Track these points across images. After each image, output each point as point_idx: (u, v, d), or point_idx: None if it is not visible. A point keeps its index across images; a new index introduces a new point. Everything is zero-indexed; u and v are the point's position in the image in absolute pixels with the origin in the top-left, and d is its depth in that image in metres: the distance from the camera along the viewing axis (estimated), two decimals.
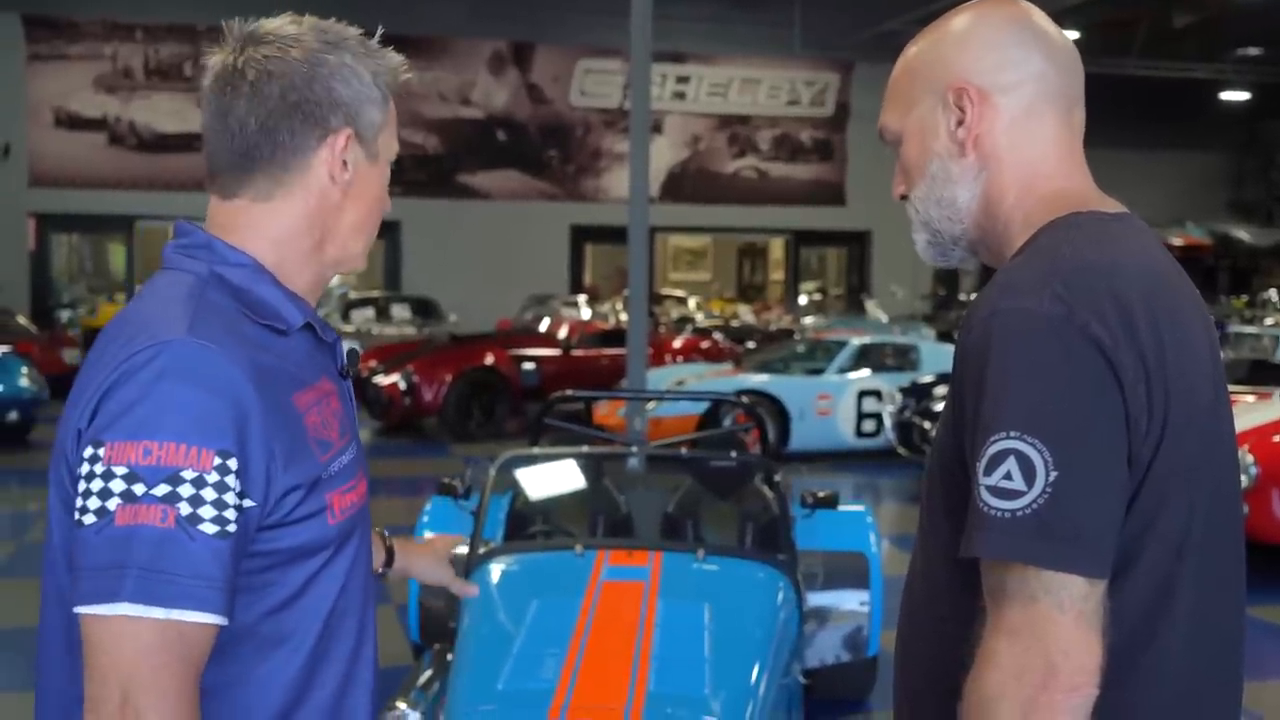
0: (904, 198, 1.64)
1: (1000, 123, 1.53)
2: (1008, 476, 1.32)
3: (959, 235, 1.59)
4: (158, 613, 1.26)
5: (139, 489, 1.26)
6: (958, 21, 1.57)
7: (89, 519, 1.27)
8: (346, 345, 1.61)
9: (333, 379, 1.53)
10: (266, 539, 1.36)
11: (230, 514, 1.30)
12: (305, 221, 1.49)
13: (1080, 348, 1.33)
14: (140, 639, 1.26)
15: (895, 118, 1.60)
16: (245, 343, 1.37)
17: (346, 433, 1.50)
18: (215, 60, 1.48)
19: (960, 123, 1.53)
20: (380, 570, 1.99)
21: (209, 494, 1.28)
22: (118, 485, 1.27)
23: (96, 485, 1.28)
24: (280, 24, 1.48)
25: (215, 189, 1.50)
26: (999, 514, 1.32)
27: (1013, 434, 1.32)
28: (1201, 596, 1.42)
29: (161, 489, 1.26)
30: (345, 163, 1.48)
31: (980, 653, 1.35)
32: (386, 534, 2.04)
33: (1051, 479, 1.30)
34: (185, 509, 1.27)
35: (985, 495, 1.33)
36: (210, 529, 1.28)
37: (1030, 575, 1.31)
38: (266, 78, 1.44)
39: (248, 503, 1.32)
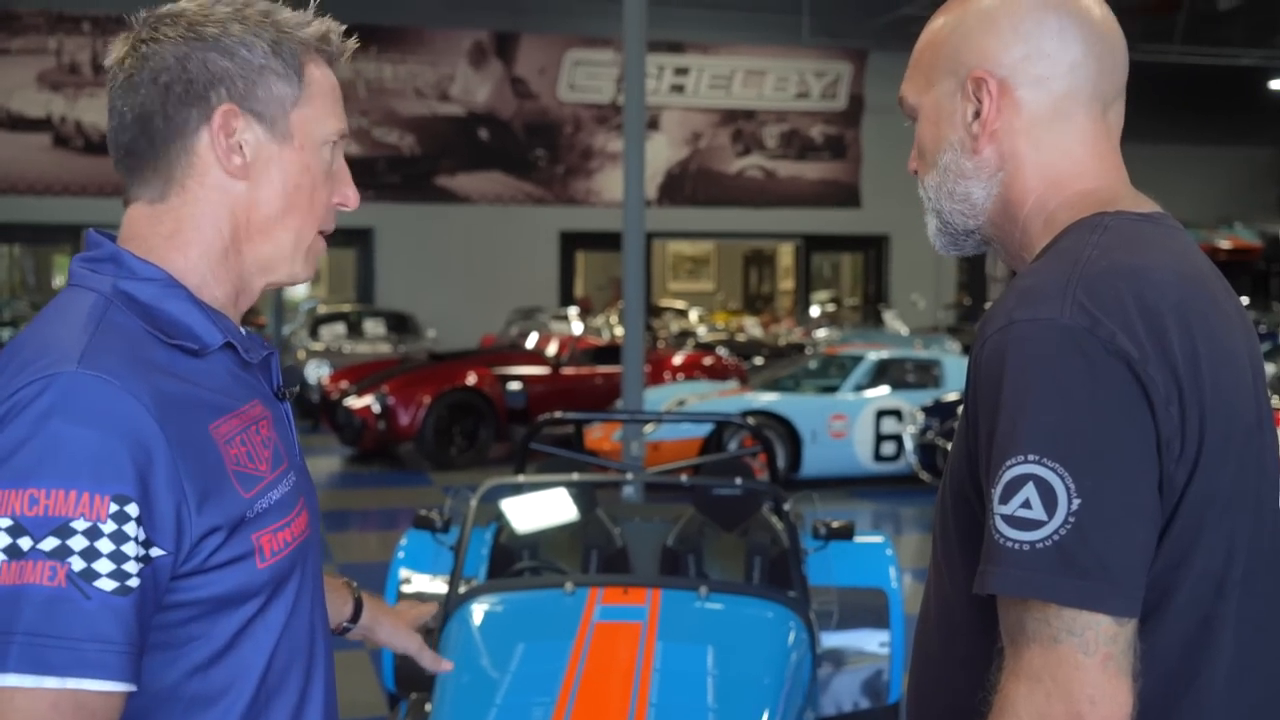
0: (918, 173, 1.64)
1: (1021, 120, 1.52)
2: (1026, 505, 1.30)
3: (972, 230, 1.59)
4: (50, 682, 1.21)
5: (25, 543, 1.22)
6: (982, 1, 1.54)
7: None
8: (286, 361, 1.57)
9: (266, 402, 1.48)
10: (185, 588, 1.33)
11: (131, 567, 1.25)
12: (209, 220, 1.45)
13: (1105, 363, 1.31)
14: (31, 711, 1.22)
15: (913, 91, 1.60)
16: (150, 370, 1.33)
17: (281, 462, 1.46)
18: (111, 55, 1.46)
19: (977, 115, 1.53)
20: (344, 625, 1.95)
21: (105, 546, 1.23)
22: (1, 540, 1.22)
23: None
24: (179, 6, 1.46)
25: (125, 195, 1.49)
26: (1016, 546, 1.30)
27: (1031, 458, 1.31)
28: (1244, 636, 1.41)
29: (50, 543, 1.22)
30: (241, 146, 1.45)
31: (997, 700, 1.33)
32: (355, 585, 1.99)
33: (1074, 508, 1.29)
34: (78, 564, 1.22)
35: (1001, 525, 1.32)
36: (108, 585, 1.24)
37: (1052, 614, 1.29)
38: (140, 64, 1.42)
39: (156, 551, 1.28)
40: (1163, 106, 23.05)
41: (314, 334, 17.52)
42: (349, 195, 1.57)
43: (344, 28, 1.53)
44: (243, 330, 1.51)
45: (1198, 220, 23.81)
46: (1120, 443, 1.31)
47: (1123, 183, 1.55)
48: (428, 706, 3.67)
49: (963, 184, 1.55)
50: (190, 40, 1.42)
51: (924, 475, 10.85)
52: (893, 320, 19.97)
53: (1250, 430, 1.41)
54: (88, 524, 1.23)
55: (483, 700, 3.41)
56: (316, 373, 14.75)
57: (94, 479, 1.24)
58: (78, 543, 1.23)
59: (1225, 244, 22.86)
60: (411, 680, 4.63)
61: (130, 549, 1.25)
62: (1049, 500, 1.29)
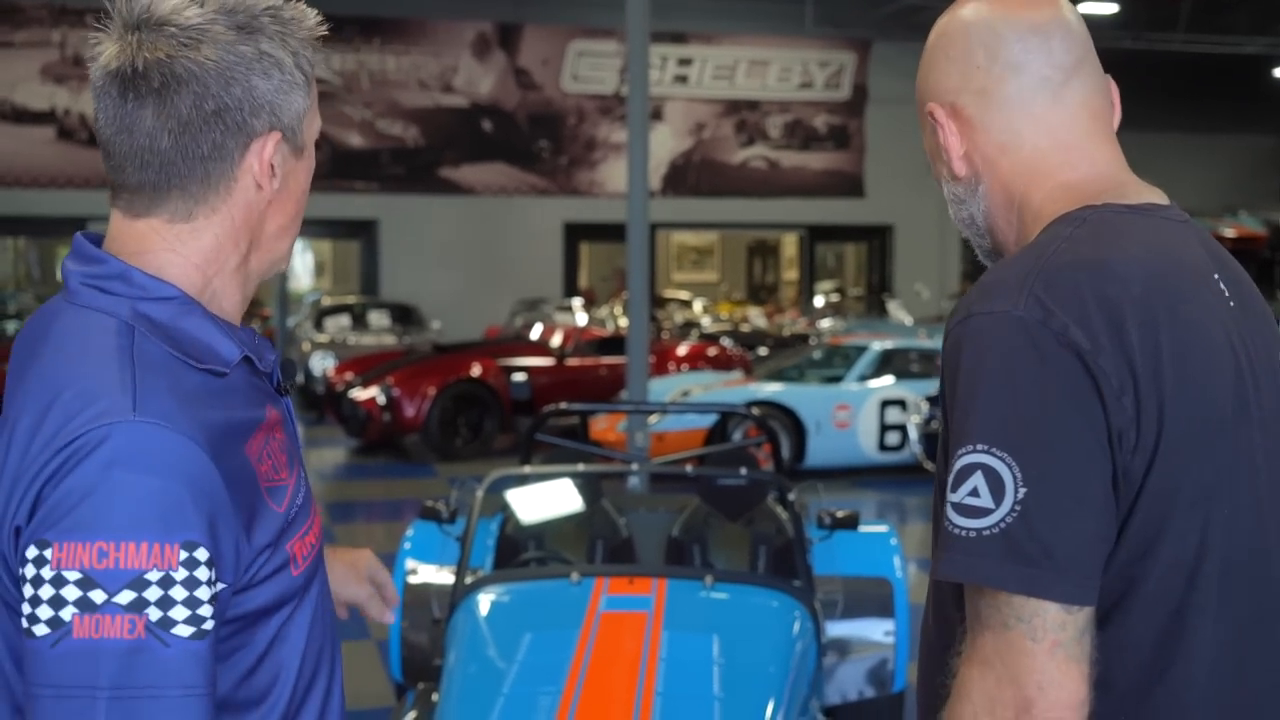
0: None
1: (979, 133, 1.57)
2: (974, 493, 1.33)
3: (990, 249, 1.64)
4: None
5: (97, 596, 1.21)
6: (931, 34, 1.63)
7: (40, 629, 1.22)
8: (290, 353, 1.56)
9: (275, 404, 1.47)
10: (233, 605, 1.33)
11: (205, 610, 1.26)
12: (231, 238, 1.42)
13: (1056, 355, 1.34)
14: None
15: (923, 140, 1.67)
16: (194, 404, 1.31)
17: (295, 461, 1.46)
18: (107, 53, 1.38)
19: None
20: None
21: (179, 593, 1.24)
22: (71, 592, 1.21)
23: (46, 592, 1.22)
24: (178, 3, 1.38)
25: (120, 204, 1.42)
26: (964, 533, 1.34)
27: (980, 447, 1.34)
28: (1228, 628, 1.41)
29: (125, 596, 1.21)
30: (273, 166, 1.42)
31: (955, 683, 1.37)
32: None
33: (1021, 496, 1.31)
34: (155, 614, 1.22)
35: (951, 513, 1.35)
36: (185, 631, 1.24)
37: (1002, 601, 1.32)
38: (174, 83, 1.35)
39: (219, 586, 1.29)
40: (1167, 95, 22.99)
41: (319, 326, 17.49)
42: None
43: (316, 13, 1.49)
44: (253, 334, 1.49)
45: (1202, 209, 23.75)
46: (1068, 433, 1.33)
47: (1112, 168, 1.56)
48: (435, 696, 3.68)
49: (964, 209, 1.61)
50: (230, 64, 1.37)
51: (928, 465, 10.85)
52: (897, 310, 19.94)
53: (1226, 421, 1.42)
54: (160, 574, 1.23)
55: (490, 690, 3.42)
56: (321, 365, 14.75)
57: (162, 528, 1.23)
58: (153, 594, 1.23)
59: (1230, 232, 22.81)
60: (419, 670, 4.65)
61: (203, 593, 1.25)
62: (996, 489, 1.32)
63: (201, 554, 1.25)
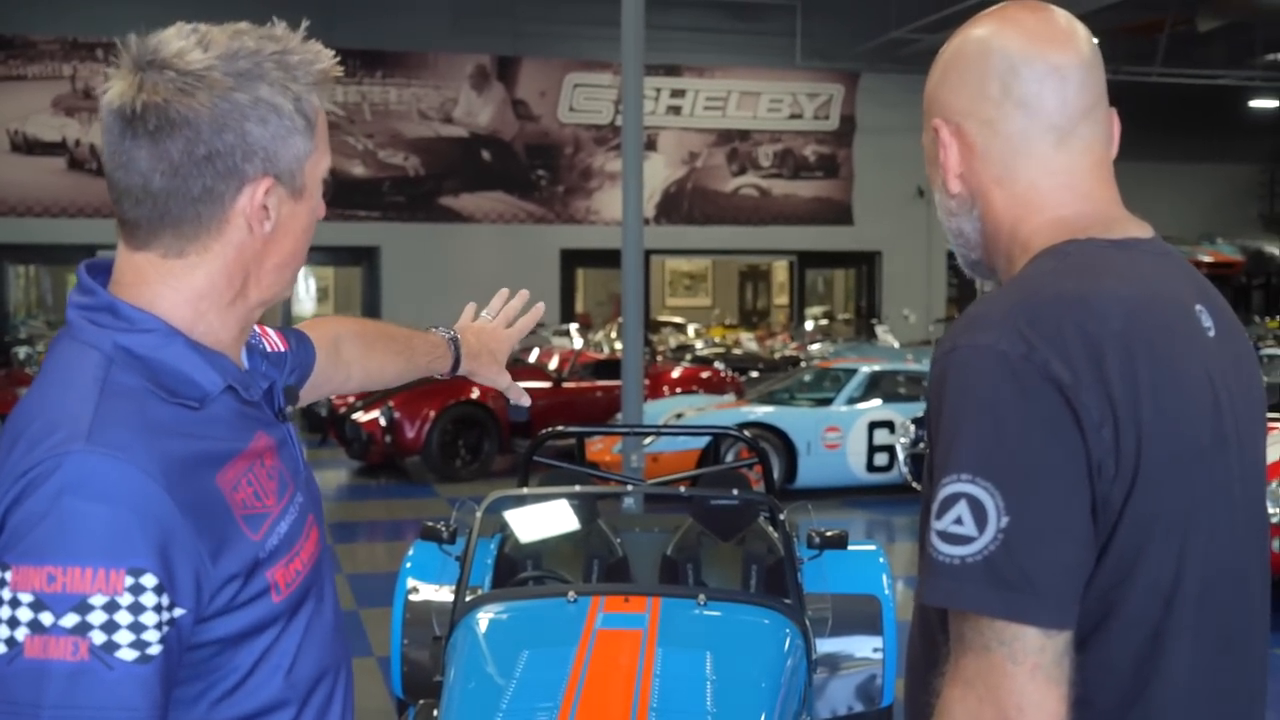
0: None
1: (978, 161, 1.55)
2: (958, 521, 1.34)
3: (978, 260, 1.63)
4: None
5: (46, 619, 1.24)
6: (948, 47, 1.60)
7: (0, 648, 1.25)
8: (283, 382, 1.55)
9: (270, 430, 1.47)
10: (206, 630, 1.33)
11: (151, 635, 1.26)
12: (224, 276, 1.42)
13: (1038, 388, 1.34)
14: None
15: (923, 134, 1.65)
16: (156, 433, 1.32)
17: (287, 488, 1.46)
18: (113, 90, 1.38)
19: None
20: (447, 375, 2.25)
21: (124, 618, 1.25)
22: (24, 614, 1.24)
23: (5, 612, 1.25)
24: (184, 46, 1.37)
25: (123, 235, 1.43)
26: (948, 560, 1.34)
27: (964, 477, 1.34)
28: (1204, 651, 1.42)
29: (70, 619, 1.24)
30: (266, 208, 1.41)
31: (939, 702, 1.38)
32: (444, 333, 2.22)
33: (1003, 524, 1.32)
34: (99, 637, 1.24)
35: (935, 541, 1.35)
36: (129, 655, 1.25)
37: (984, 625, 1.33)
38: (168, 127, 1.35)
39: (178, 611, 1.29)
40: (1146, 125, 23.03)
41: None
42: (322, 209, 1.52)
43: (333, 52, 1.48)
44: (244, 365, 1.49)
45: (1180, 236, 23.82)
46: (1049, 465, 1.33)
47: (1102, 204, 1.55)
48: (435, 712, 3.67)
49: (954, 220, 1.60)
50: (224, 111, 1.36)
51: (915, 485, 10.83)
52: (884, 334, 19.95)
53: (1203, 451, 1.42)
54: (105, 599, 1.24)
55: (489, 705, 3.41)
56: None
57: (108, 554, 1.25)
58: (97, 618, 1.24)
59: (1207, 259, 22.86)
60: (420, 687, 4.64)
61: (149, 618, 1.26)
62: (980, 517, 1.32)
63: (149, 580, 1.26)
